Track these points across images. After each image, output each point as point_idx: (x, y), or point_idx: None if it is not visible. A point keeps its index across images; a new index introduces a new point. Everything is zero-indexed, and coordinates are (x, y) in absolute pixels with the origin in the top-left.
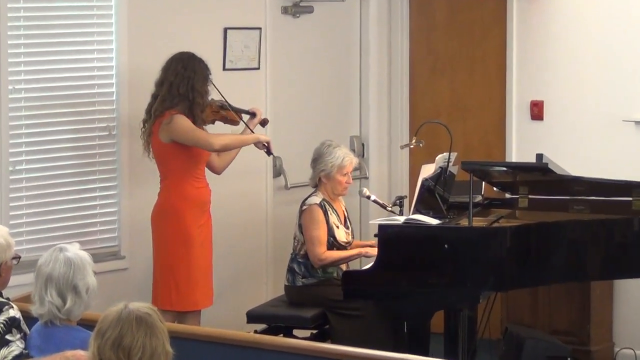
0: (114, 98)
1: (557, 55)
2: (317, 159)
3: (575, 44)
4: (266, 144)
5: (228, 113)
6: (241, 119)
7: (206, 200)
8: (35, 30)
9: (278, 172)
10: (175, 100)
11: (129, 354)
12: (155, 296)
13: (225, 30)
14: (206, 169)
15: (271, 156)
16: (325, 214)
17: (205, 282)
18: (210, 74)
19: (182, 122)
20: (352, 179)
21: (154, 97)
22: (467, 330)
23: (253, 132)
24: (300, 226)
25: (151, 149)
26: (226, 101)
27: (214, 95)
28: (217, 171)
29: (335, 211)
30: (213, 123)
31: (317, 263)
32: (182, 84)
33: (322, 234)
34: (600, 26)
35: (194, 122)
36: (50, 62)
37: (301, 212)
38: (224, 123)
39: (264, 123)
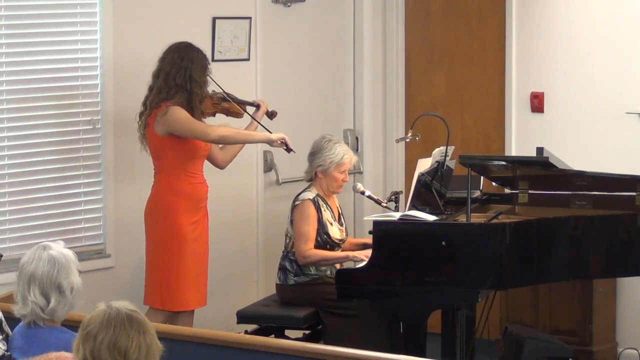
0: (99, 90)
1: (558, 45)
2: (316, 153)
3: (577, 33)
4: (283, 141)
5: (230, 105)
6: (245, 111)
7: (202, 197)
8: (17, 20)
9: (269, 167)
10: (172, 92)
11: (126, 354)
12: (146, 295)
13: (214, 19)
14: (208, 164)
15: (291, 152)
16: (318, 211)
17: (198, 281)
18: (209, 64)
19: (178, 113)
20: (348, 174)
21: (151, 89)
22: (465, 330)
23: (260, 123)
24: (292, 222)
25: (146, 142)
26: (225, 92)
27: (212, 87)
28: (220, 165)
29: (329, 207)
30: (214, 115)
31: (300, 260)
32: (179, 75)
33: (310, 230)
34: (603, 15)
35: (193, 114)
36: (32, 54)
37: (293, 207)
38: (226, 115)
39: (271, 115)
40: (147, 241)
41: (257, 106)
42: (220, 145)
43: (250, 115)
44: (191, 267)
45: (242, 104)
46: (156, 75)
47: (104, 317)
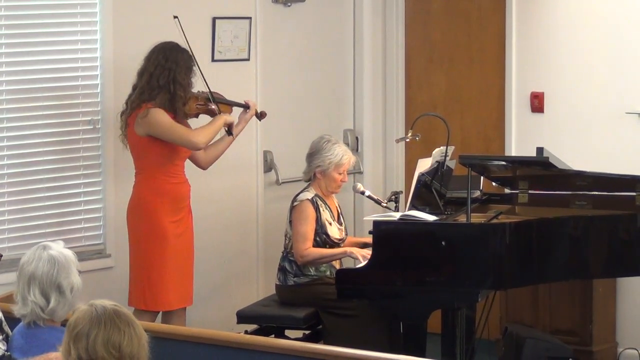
0: (99, 90)
1: (558, 44)
2: (314, 154)
3: (577, 33)
4: (231, 125)
5: (218, 106)
6: (218, 112)
7: (183, 197)
8: (17, 20)
9: (269, 167)
10: (154, 93)
11: (120, 348)
12: (130, 295)
13: (214, 20)
14: (191, 163)
15: (230, 136)
16: (316, 211)
17: (182, 281)
18: (194, 65)
19: (160, 117)
20: (347, 175)
21: (134, 87)
22: (465, 330)
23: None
24: (290, 223)
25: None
26: (211, 93)
27: (201, 87)
28: (202, 166)
29: (328, 207)
30: (197, 117)
31: (298, 259)
32: (163, 76)
33: (308, 230)
34: (603, 15)
35: (175, 116)
36: (32, 54)
37: (292, 208)
38: (211, 117)
39: (260, 116)
40: (129, 241)
41: (247, 107)
42: None
43: (214, 111)
44: (174, 267)
45: (229, 104)
46: (140, 74)
47: (92, 315)
